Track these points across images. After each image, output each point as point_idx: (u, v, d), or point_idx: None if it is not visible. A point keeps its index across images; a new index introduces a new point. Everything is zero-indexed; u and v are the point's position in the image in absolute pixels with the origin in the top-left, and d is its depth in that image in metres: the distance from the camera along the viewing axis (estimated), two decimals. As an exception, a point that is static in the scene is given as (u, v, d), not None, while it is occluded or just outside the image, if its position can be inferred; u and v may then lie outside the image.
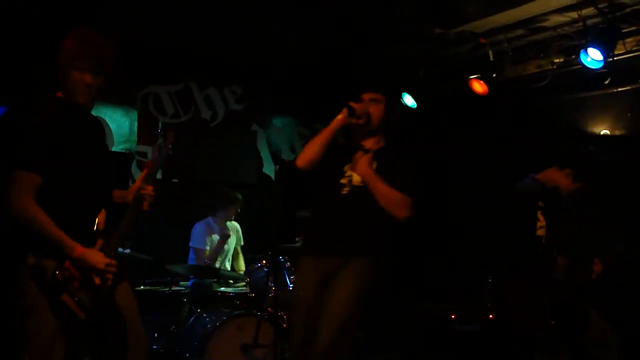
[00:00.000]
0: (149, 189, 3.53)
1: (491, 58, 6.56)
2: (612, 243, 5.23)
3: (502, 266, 5.17)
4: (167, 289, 5.95)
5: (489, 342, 5.96)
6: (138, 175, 7.08)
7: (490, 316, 6.35)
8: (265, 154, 8.16)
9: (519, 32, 6.31)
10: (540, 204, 5.05)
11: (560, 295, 4.95)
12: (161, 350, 5.63)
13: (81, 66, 3.22)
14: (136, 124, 7.32)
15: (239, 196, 6.67)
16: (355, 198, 4.10)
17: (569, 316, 4.92)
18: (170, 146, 3.66)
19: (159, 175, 3.78)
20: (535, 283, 4.95)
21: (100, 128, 3.59)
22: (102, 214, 3.47)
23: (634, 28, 5.69)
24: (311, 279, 4.16)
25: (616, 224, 5.78)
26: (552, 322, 4.87)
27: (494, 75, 6.62)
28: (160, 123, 7.44)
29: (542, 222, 5.04)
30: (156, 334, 5.70)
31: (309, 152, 4.15)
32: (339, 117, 4.12)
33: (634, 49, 5.74)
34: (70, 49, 3.23)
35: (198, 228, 6.59)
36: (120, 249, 3.93)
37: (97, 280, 3.20)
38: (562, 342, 4.91)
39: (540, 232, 5.03)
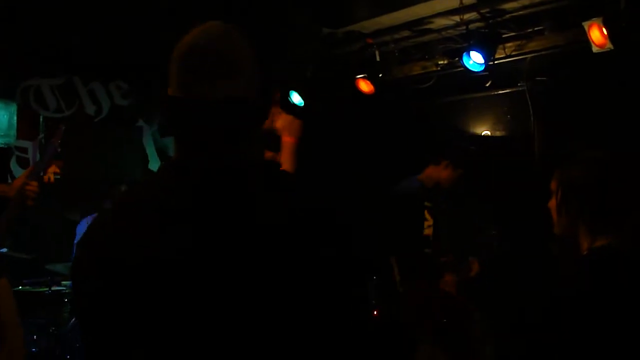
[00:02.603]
0: (34, 185, 3.44)
1: (378, 58, 6.66)
2: (489, 238, 5.40)
3: (389, 266, 5.24)
4: (47, 289, 5.77)
5: (374, 339, 6.05)
6: (16, 170, 6.88)
7: (375, 313, 6.46)
8: (151, 150, 8.02)
9: (405, 33, 6.43)
10: (427, 203, 5.16)
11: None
12: (40, 353, 5.47)
13: None
14: (15, 117, 7.05)
15: (115, 190, 6.58)
16: None
17: (454, 314, 5.06)
18: (58, 142, 3.58)
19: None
20: (424, 282, 5.05)
21: None
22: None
23: (513, 33, 5.91)
24: None
25: (492, 219, 5.99)
26: (445, 320, 4.98)
27: (380, 75, 6.72)
28: (41, 117, 7.21)
29: (429, 221, 5.15)
30: (35, 336, 5.52)
31: None
32: None
33: (514, 53, 5.96)
34: None
35: (83, 224, 6.43)
36: (-3, 249, 3.80)
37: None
38: (447, 338, 5.04)
39: (428, 231, 5.13)
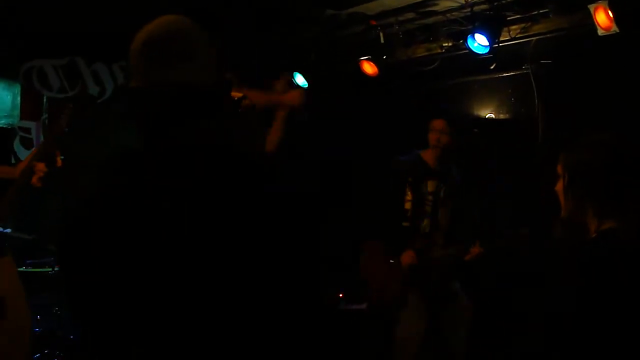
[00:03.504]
0: (42, 166, 3.45)
1: (382, 40, 6.63)
2: (500, 225, 5.46)
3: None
4: (51, 269, 5.78)
5: (376, 320, 6.09)
6: (20, 151, 6.88)
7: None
8: (154, 132, 8.01)
9: (409, 15, 6.38)
10: (409, 179, 5.37)
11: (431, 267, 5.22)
12: (44, 333, 5.49)
13: None
14: (19, 98, 7.04)
15: None
16: None
17: (434, 287, 5.22)
18: (65, 122, 3.59)
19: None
20: (393, 254, 5.26)
21: None
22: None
23: (518, 16, 5.86)
24: None
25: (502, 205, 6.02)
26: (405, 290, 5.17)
27: (385, 57, 6.70)
28: (45, 98, 7.20)
29: (409, 196, 5.34)
30: (39, 316, 5.54)
31: None
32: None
33: (518, 35, 5.92)
34: None
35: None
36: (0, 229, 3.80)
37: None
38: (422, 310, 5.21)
39: (407, 205, 5.32)
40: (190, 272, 1.42)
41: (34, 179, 3.47)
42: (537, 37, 5.89)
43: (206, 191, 1.46)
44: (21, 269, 5.72)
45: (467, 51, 5.97)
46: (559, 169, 2.28)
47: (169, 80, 1.56)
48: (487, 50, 5.78)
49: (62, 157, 3.75)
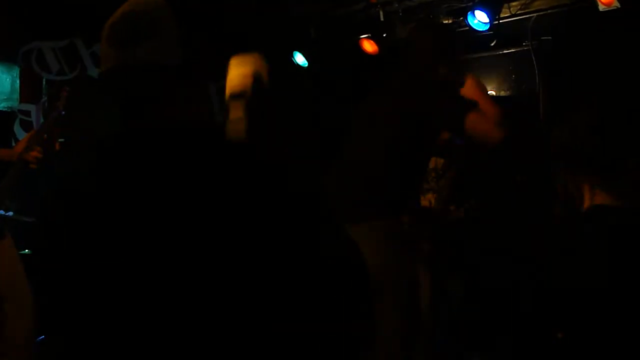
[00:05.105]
0: (37, 150, 3.45)
1: (382, 18, 6.59)
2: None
3: None
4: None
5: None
6: (20, 133, 6.87)
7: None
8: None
9: (409, -8, 6.36)
10: None
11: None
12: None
13: None
14: (18, 81, 7.02)
15: None
16: None
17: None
18: (62, 106, 3.59)
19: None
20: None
21: None
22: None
23: (518, -8, 5.84)
24: None
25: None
26: None
27: (385, 35, 6.67)
28: (44, 80, 7.18)
29: None
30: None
31: None
32: None
33: (519, 12, 5.90)
34: None
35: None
36: (1, 212, 3.81)
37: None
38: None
39: None
40: (186, 267, 1.38)
41: (31, 164, 3.48)
42: (538, 14, 5.87)
43: (187, 179, 1.43)
44: (24, 252, 5.74)
45: (467, 28, 5.94)
46: (552, 149, 2.32)
47: (130, 61, 1.54)
48: (487, 27, 5.75)
49: (62, 140, 3.75)
